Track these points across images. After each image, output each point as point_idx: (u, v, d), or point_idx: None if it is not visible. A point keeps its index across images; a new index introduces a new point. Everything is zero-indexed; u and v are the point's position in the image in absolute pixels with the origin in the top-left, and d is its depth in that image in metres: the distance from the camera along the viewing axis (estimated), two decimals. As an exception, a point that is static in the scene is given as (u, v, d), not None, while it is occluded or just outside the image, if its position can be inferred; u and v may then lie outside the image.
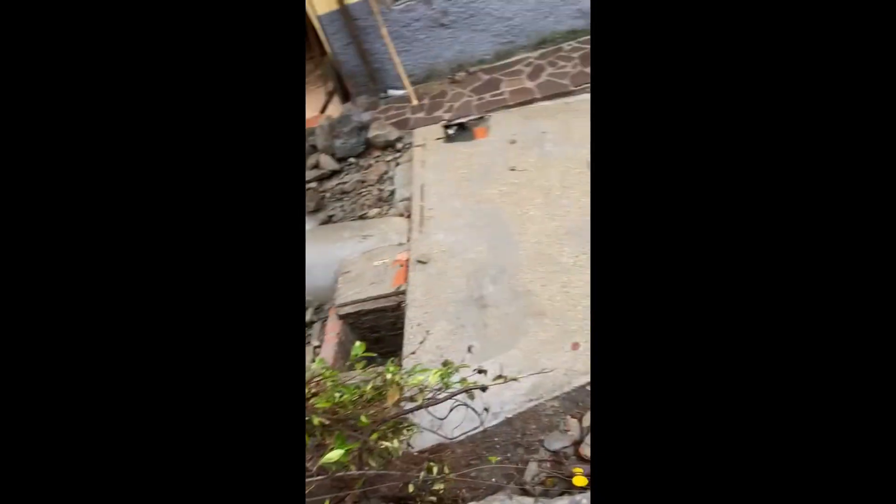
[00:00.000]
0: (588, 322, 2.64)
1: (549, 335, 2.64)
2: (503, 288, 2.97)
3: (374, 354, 1.61)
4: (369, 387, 1.36)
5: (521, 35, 4.41)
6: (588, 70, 4.09)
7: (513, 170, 3.68)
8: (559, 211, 3.28)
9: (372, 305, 3.19)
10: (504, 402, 2.33)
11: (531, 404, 2.30)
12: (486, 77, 4.49)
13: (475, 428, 1.85)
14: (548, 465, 2.06)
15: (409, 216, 3.66)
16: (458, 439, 1.92)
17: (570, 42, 4.38)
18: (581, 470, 1.92)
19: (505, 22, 4.35)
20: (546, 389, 2.37)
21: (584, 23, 4.32)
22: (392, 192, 3.94)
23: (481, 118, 4.18)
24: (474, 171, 3.81)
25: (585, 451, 2.03)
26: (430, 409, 1.46)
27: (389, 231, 3.62)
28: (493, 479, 2.05)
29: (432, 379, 1.38)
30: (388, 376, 1.38)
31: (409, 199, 3.79)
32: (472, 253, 3.23)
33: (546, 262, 3.02)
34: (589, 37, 4.37)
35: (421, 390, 1.40)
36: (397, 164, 4.15)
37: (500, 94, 4.27)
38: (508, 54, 4.52)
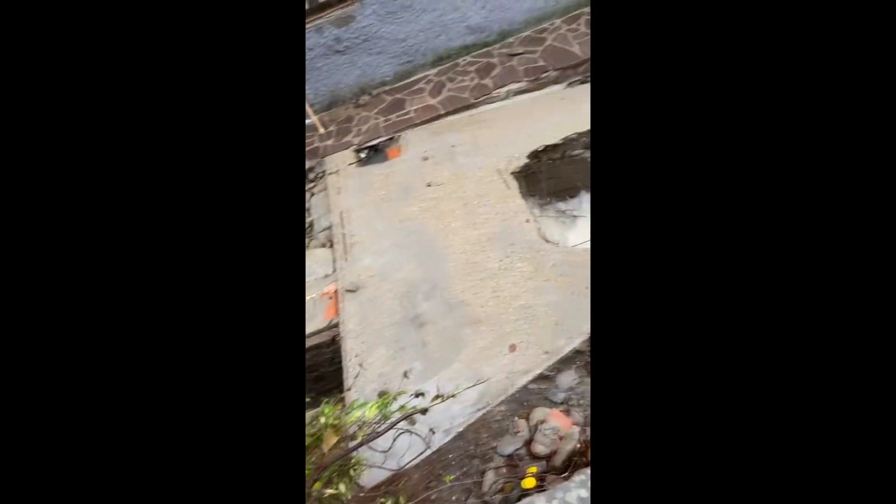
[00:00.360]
0: (522, 322, 2.73)
1: (487, 341, 2.69)
2: (437, 302, 2.99)
3: (309, 398, 1.54)
4: (305, 434, 1.30)
5: (418, 55, 4.52)
6: (486, 82, 4.28)
7: (430, 185, 3.74)
8: (479, 219, 3.37)
9: (306, 344, 3.06)
10: (454, 417, 2.33)
11: (480, 413, 2.32)
12: (390, 98, 4.54)
13: (424, 451, 1.83)
14: (504, 470, 2.08)
15: (332, 245, 3.57)
16: (409, 466, 1.88)
17: (465, 57, 4.56)
18: (535, 469, 1.96)
19: (400, 43, 4.43)
20: (492, 396, 2.40)
21: (475, 38, 4.53)
22: (311, 224, 3.83)
23: (392, 139, 4.21)
24: (392, 192, 3.82)
25: (536, 448, 2.08)
26: (374, 442, 1.42)
27: (313, 264, 3.50)
28: (454, 497, 2.03)
29: (370, 412, 1.34)
30: (323, 419, 1.32)
31: (329, 228, 3.71)
32: (403, 272, 3.23)
33: (474, 271, 3.09)
34: (482, 50, 4.57)
35: (360, 426, 1.35)
36: (312, 195, 4.05)
37: (407, 113, 4.34)
38: (408, 74, 4.60)
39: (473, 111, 4.18)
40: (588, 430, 2.13)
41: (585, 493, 1.02)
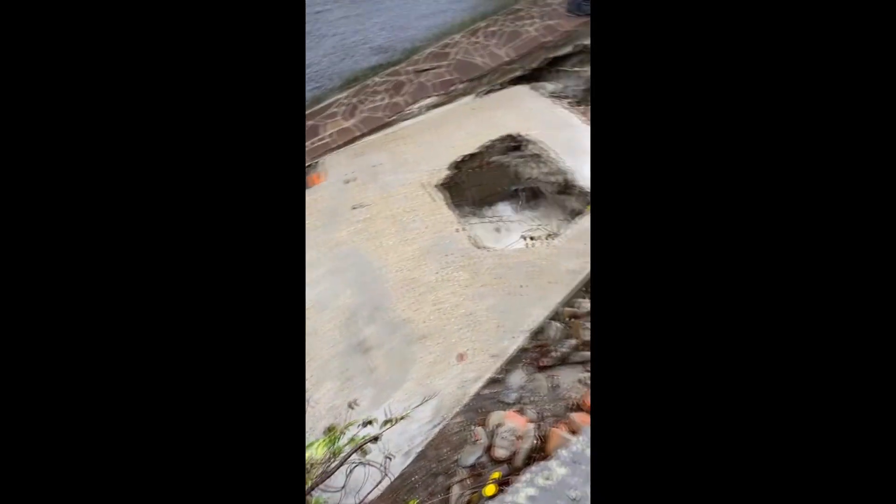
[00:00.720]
0: (466, 330, 2.75)
1: (435, 355, 2.68)
2: (381, 324, 2.94)
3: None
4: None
5: (327, 79, 4.48)
6: (398, 99, 4.33)
7: (357, 207, 3.69)
8: (411, 234, 3.38)
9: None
10: (412, 438, 2.29)
11: (437, 429, 2.30)
12: (305, 124, 4.45)
13: (382, 479, 1.77)
14: (469, 481, 2.07)
15: (262, 284, 3.40)
16: (370, 498, 1.81)
17: (374, 77, 4.59)
18: (498, 474, 1.97)
19: (307, 69, 4.37)
20: (447, 408, 2.39)
21: (381, 58, 4.57)
22: (237, 264, 3.62)
23: (311, 165, 4.12)
24: (319, 219, 3.72)
25: (497, 452, 2.09)
26: (328, 482, 1.35)
27: (245, 306, 3.31)
28: (423, 520, 1.98)
29: (318, 452, 1.28)
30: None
31: (257, 265, 3.53)
32: (341, 300, 3.14)
33: (413, 286, 3.08)
34: (390, 69, 4.63)
35: (310, 468, 1.28)
36: (235, 234, 3.84)
37: (324, 138, 4.27)
38: (320, 99, 4.55)
39: (390, 129, 4.21)
40: (543, 424, 2.18)
41: (534, 490, 1.04)
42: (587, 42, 4.67)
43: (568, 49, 4.64)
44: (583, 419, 1.92)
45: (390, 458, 1.65)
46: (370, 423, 1.40)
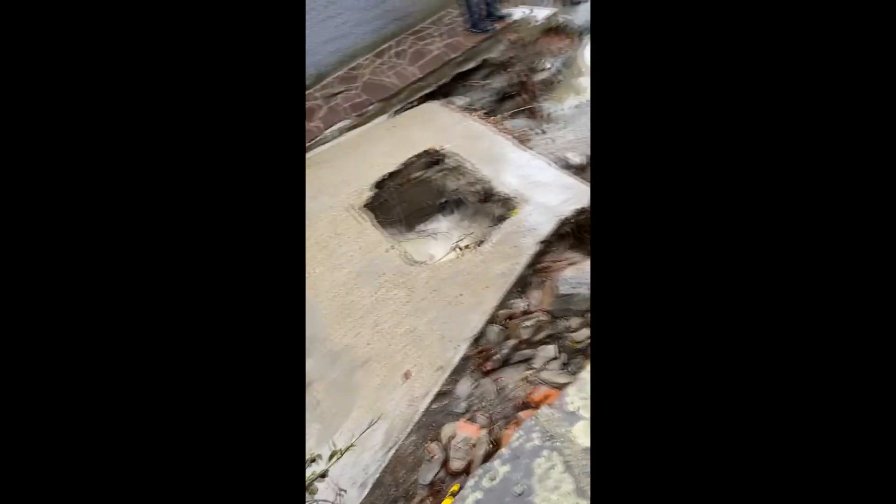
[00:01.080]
0: (410, 347, 2.74)
1: (381, 378, 2.63)
2: (320, 356, 2.84)
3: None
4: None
5: (234, 110, 4.31)
6: (314, 124, 4.26)
7: (281, 239, 3.56)
8: (342, 259, 3.31)
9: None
10: (366, 467, 2.22)
11: (392, 453, 2.25)
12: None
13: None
14: (430, 500, 2.04)
15: (185, 332, 3.15)
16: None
17: (286, 104, 4.49)
18: (458, 486, 1.97)
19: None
20: (399, 429, 2.35)
21: (291, 84, 4.49)
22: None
23: (227, 200, 3.92)
24: (242, 255, 3.54)
25: (454, 465, 2.09)
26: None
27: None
28: (388, 550, 1.92)
29: (263, 501, 1.20)
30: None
31: (177, 314, 3.27)
32: (275, 337, 3.00)
33: (350, 311, 3.01)
34: (306, 92, 4.55)
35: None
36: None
37: (237, 170, 4.09)
38: (229, 131, 4.36)
39: (309, 154, 4.13)
40: (494, 428, 2.22)
41: (480, 494, 1.05)
42: (490, 56, 4.91)
43: (473, 64, 4.85)
44: (529, 415, 1.98)
45: (342, 493, 1.59)
46: (315, 460, 1.35)
